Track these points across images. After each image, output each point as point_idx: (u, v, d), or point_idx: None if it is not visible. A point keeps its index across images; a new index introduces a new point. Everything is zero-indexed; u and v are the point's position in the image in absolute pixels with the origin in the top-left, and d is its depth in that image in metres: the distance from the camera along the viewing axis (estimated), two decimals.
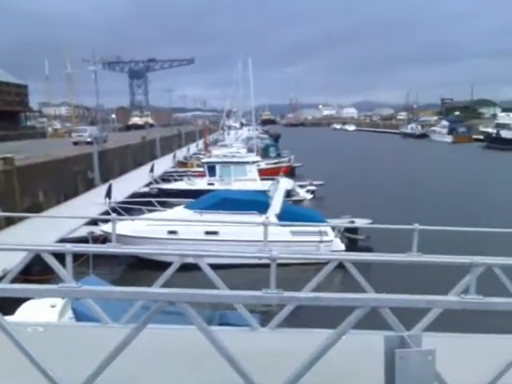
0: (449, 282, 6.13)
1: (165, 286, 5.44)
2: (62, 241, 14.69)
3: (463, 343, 5.64)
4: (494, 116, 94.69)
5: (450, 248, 8.74)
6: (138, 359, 4.32)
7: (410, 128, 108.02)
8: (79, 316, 6.24)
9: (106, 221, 14.50)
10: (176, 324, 5.22)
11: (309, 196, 27.60)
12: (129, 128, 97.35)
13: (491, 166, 48.71)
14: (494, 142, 67.70)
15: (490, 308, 3.93)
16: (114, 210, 17.51)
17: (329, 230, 16.03)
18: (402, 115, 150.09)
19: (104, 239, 15.04)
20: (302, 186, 28.58)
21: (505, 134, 66.99)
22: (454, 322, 5.86)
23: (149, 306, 3.74)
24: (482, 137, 76.18)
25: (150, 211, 18.82)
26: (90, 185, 28.91)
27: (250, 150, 39.42)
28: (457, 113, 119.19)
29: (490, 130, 73.30)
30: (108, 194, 20.55)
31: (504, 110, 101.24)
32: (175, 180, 31.36)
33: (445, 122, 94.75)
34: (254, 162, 29.08)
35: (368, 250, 16.08)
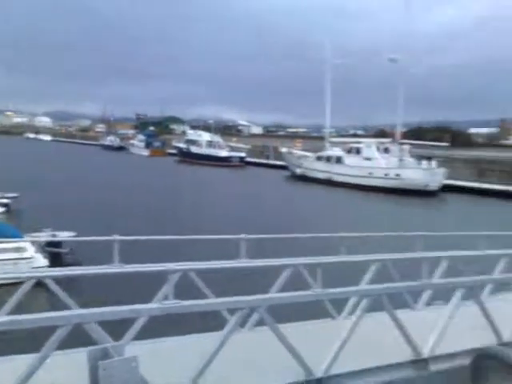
0: (154, 289, 6.46)
1: None
2: None
3: (166, 346, 6.04)
4: (184, 132, 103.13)
5: (151, 257, 9.18)
6: None
7: (109, 140, 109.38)
8: None
9: None
10: None
11: (0, 209, 25.15)
12: None
13: (183, 177, 52.94)
14: (186, 156, 74.21)
15: (187, 310, 4.35)
16: None
17: (28, 245, 15.09)
18: (100, 127, 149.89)
19: None
20: None
21: (194, 149, 73.91)
22: (163, 327, 6.20)
23: None
24: (175, 151, 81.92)
25: None
26: None
27: None
28: (151, 128, 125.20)
29: (181, 145, 79.45)
30: None
31: (192, 127, 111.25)
32: None
33: (141, 136, 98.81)
34: None
35: (75, 263, 15.54)
